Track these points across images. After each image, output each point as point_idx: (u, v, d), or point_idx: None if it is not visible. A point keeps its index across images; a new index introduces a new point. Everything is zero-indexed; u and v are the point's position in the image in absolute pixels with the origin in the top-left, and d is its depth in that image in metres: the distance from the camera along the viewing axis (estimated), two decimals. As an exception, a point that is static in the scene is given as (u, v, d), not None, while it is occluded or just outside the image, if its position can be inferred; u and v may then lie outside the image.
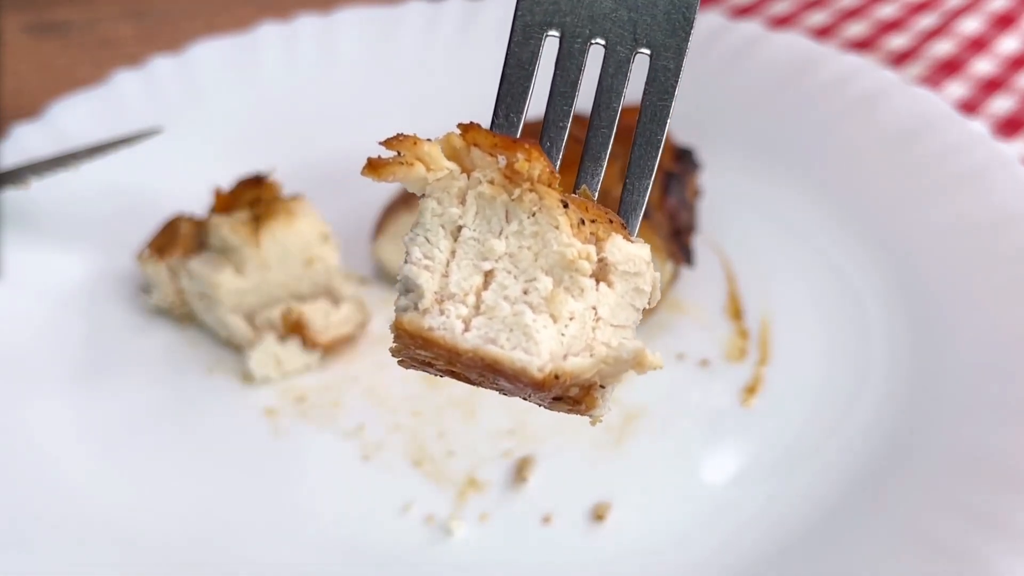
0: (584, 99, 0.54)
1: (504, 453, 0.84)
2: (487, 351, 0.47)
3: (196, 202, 1.01)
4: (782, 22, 1.30)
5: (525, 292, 0.48)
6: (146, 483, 0.83)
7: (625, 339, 0.49)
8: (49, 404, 0.89)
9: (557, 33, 0.54)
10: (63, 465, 0.84)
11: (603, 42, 0.54)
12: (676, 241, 0.93)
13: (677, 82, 0.53)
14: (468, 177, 0.49)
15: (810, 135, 1.06)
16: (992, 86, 1.16)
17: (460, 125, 0.49)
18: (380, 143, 0.48)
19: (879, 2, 1.32)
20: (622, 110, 0.54)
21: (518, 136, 0.53)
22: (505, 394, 0.51)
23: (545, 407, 0.50)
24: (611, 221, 0.50)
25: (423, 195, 0.49)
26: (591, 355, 0.48)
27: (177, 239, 0.94)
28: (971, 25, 1.25)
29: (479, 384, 0.51)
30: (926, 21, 1.27)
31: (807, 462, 0.80)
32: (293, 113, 1.16)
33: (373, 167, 0.48)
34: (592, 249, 0.48)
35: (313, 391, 0.90)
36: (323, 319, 0.91)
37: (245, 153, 1.07)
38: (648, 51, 0.53)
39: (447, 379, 0.88)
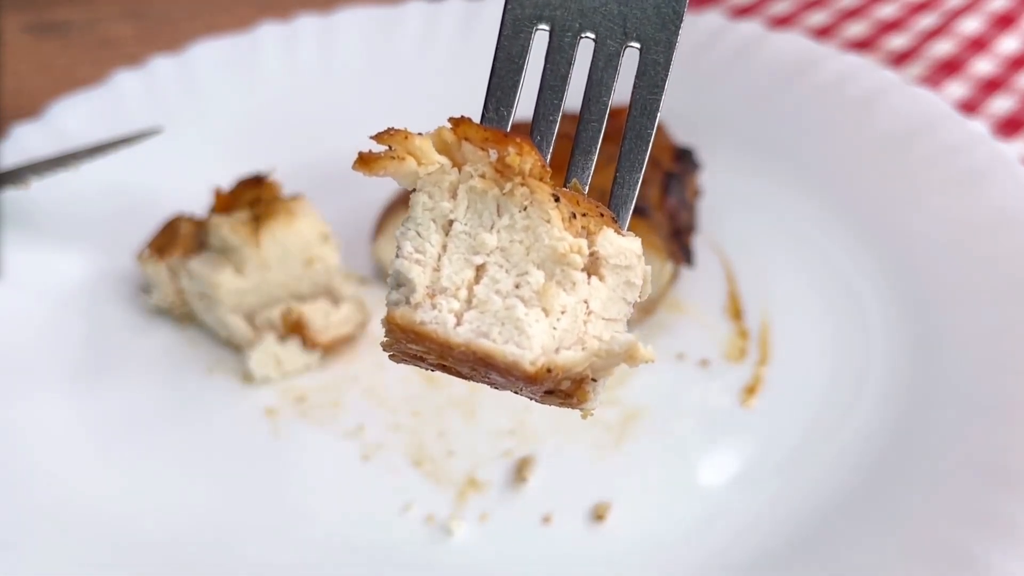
0: (574, 94, 0.54)
1: (504, 453, 0.84)
2: (479, 345, 0.47)
3: (196, 202, 1.01)
4: (782, 22, 1.30)
5: (517, 286, 0.48)
6: (146, 483, 0.83)
7: (617, 332, 0.49)
8: (49, 404, 0.89)
9: (547, 27, 0.54)
10: (63, 465, 0.84)
11: (593, 36, 0.54)
12: (676, 241, 0.93)
13: (667, 76, 0.53)
14: (459, 171, 0.49)
15: (810, 135, 1.06)
16: (992, 86, 1.16)
17: (451, 119, 0.49)
18: (371, 137, 0.48)
19: (879, 2, 1.32)
20: (612, 111, 0.54)
21: (508, 130, 0.53)
22: (497, 388, 0.51)
23: (537, 400, 0.50)
24: (602, 215, 0.50)
25: (414, 189, 0.49)
26: (583, 348, 0.48)
27: (177, 239, 0.94)
28: (971, 25, 1.25)
29: (471, 378, 0.51)
30: (926, 21, 1.27)
31: (807, 462, 0.80)
32: (293, 113, 1.16)
33: (364, 161, 0.48)
34: (583, 243, 0.48)
35: (313, 391, 0.90)
36: (323, 319, 0.91)
37: (245, 153, 1.07)
38: (638, 45, 0.53)
39: (447, 379, 0.89)
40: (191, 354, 0.94)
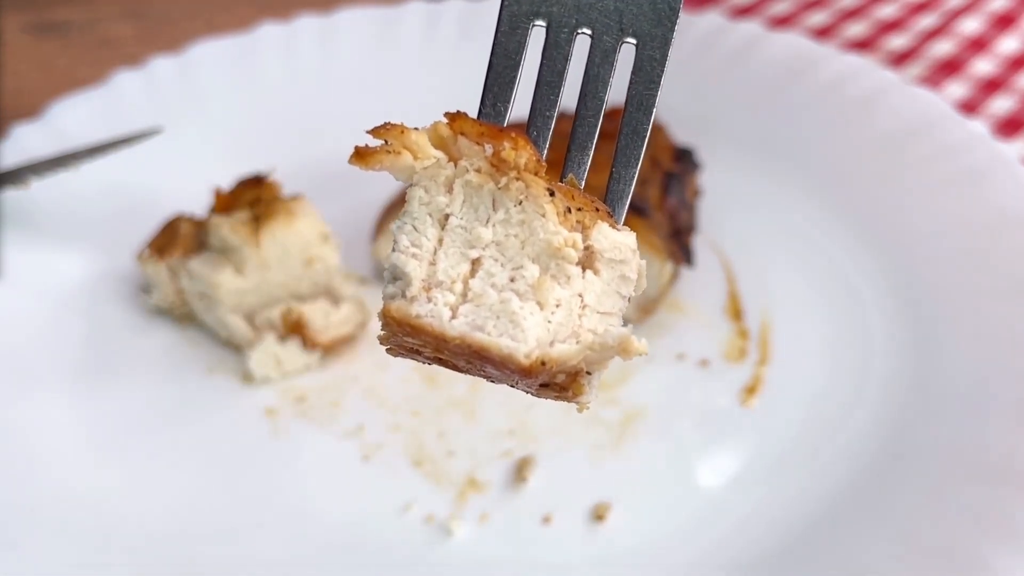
0: (569, 91, 0.54)
1: (504, 453, 0.84)
2: (474, 338, 0.47)
3: (196, 202, 1.01)
4: (782, 22, 1.30)
5: (512, 280, 0.48)
6: (146, 483, 0.83)
7: (611, 326, 0.49)
8: (49, 404, 0.89)
9: (544, 23, 0.54)
10: (63, 465, 0.84)
11: (589, 32, 0.54)
12: (676, 241, 0.93)
13: (663, 72, 0.53)
14: (455, 166, 0.49)
15: (810, 135, 1.06)
16: (992, 86, 1.16)
17: (447, 114, 0.49)
18: (367, 132, 0.49)
19: (879, 2, 1.32)
20: (609, 111, 0.54)
21: (505, 126, 0.53)
22: (493, 381, 0.51)
23: (532, 394, 0.51)
24: (597, 210, 0.51)
25: (410, 184, 0.50)
26: (577, 342, 0.48)
27: (177, 239, 0.94)
28: (971, 25, 1.25)
29: (467, 371, 0.51)
30: (926, 21, 1.27)
31: (807, 462, 0.80)
32: (293, 113, 1.16)
33: (360, 155, 0.49)
34: (578, 237, 0.49)
35: (313, 391, 0.90)
36: (323, 319, 0.91)
37: (245, 153, 1.07)
38: (634, 41, 0.53)
39: (447, 379, 0.89)
40: (191, 354, 0.94)
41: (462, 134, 0.49)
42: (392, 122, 0.49)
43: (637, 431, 0.84)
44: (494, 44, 0.54)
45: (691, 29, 1.16)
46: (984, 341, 0.83)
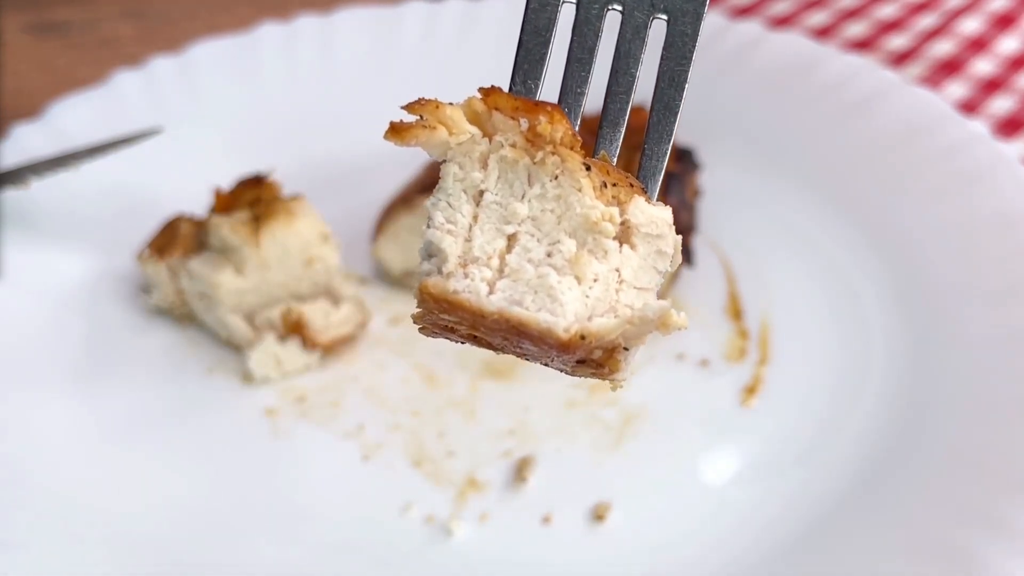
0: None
1: (504, 453, 0.84)
2: (513, 313, 0.47)
3: (196, 202, 1.01)
4: (782, 22, 1.30)
5: (549, 255, 0.48)
6: (146, 483, 0.83)
7: (649, 301, 0.49)
8: (49, 404, 0.89)
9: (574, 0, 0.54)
10: (63, 465, 0.84)
11: (620, 8, 0.53)
12: (676, 241, 0.93)
13: (695, 47, 0.53)
14: (490, 141, 0.49)
15: (810, 135, 1.06)
16: (992, 86, 1.16)
17: (481, 89, 0.49)
18: (402, 107, 0.48)
19: (879, 2, 1.32)
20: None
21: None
22: (528, 359, 0.51)
23: (567, 372, 0.50)
24: (631, 185, 0.50)
25: (444, 160, 0.49)
26: (615, 316, 0.48)
27: (177, 239, 0.94)
28: (971, 25, 1.25)
29: (502, 349, 0.50)
30: (926, 21, 1.27)
31: (807, 462, 0.80)
32: (293, 113, 1.16)
33: (396, 131, 0.48)
34: (615, 211, 0.48)
35: (313, 391, 0.90)
36: (323, 319, 0.91)
37: (245, 153, 1.07)
38: (665, 16, 0.53)
39: (447, 379, 0.89)
40: (191, 354, 0.94)
41: (496, 109, 0.49)
42: (426, 98, 0.48)
43: (637, 431, 0.84)
44: (524, 21, 0.53)
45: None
46: (984, 341, 0.83)
